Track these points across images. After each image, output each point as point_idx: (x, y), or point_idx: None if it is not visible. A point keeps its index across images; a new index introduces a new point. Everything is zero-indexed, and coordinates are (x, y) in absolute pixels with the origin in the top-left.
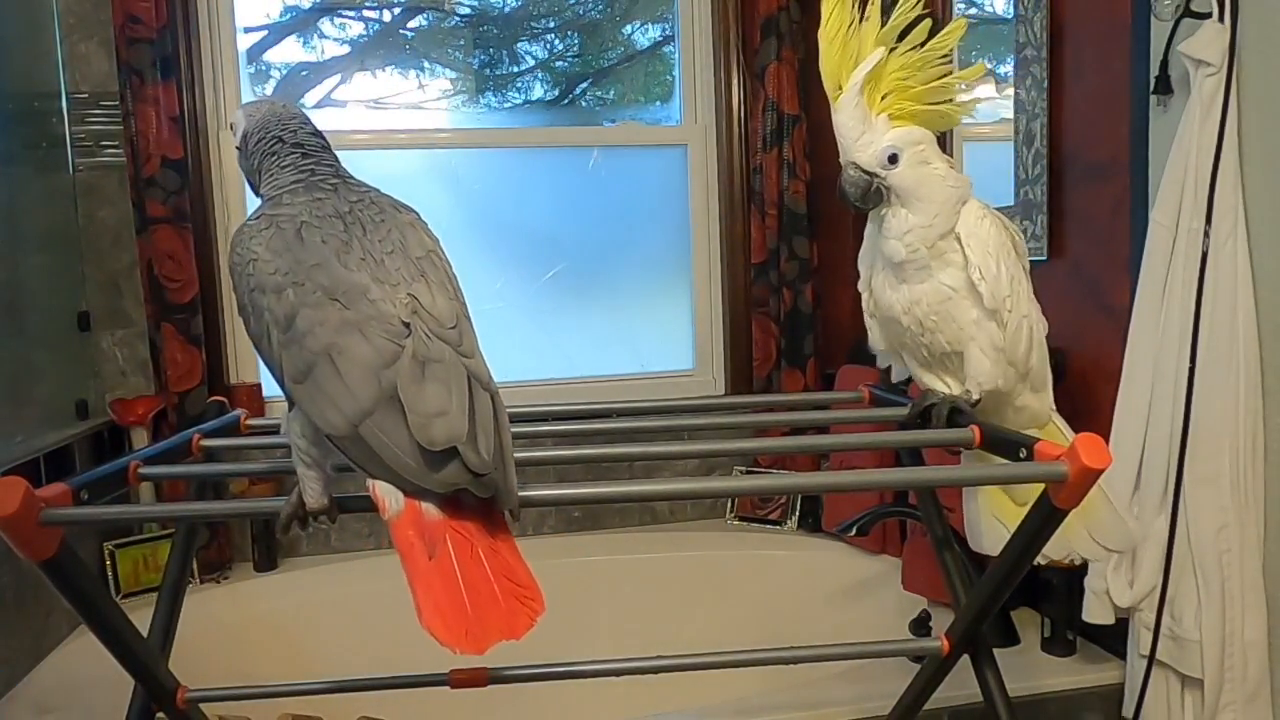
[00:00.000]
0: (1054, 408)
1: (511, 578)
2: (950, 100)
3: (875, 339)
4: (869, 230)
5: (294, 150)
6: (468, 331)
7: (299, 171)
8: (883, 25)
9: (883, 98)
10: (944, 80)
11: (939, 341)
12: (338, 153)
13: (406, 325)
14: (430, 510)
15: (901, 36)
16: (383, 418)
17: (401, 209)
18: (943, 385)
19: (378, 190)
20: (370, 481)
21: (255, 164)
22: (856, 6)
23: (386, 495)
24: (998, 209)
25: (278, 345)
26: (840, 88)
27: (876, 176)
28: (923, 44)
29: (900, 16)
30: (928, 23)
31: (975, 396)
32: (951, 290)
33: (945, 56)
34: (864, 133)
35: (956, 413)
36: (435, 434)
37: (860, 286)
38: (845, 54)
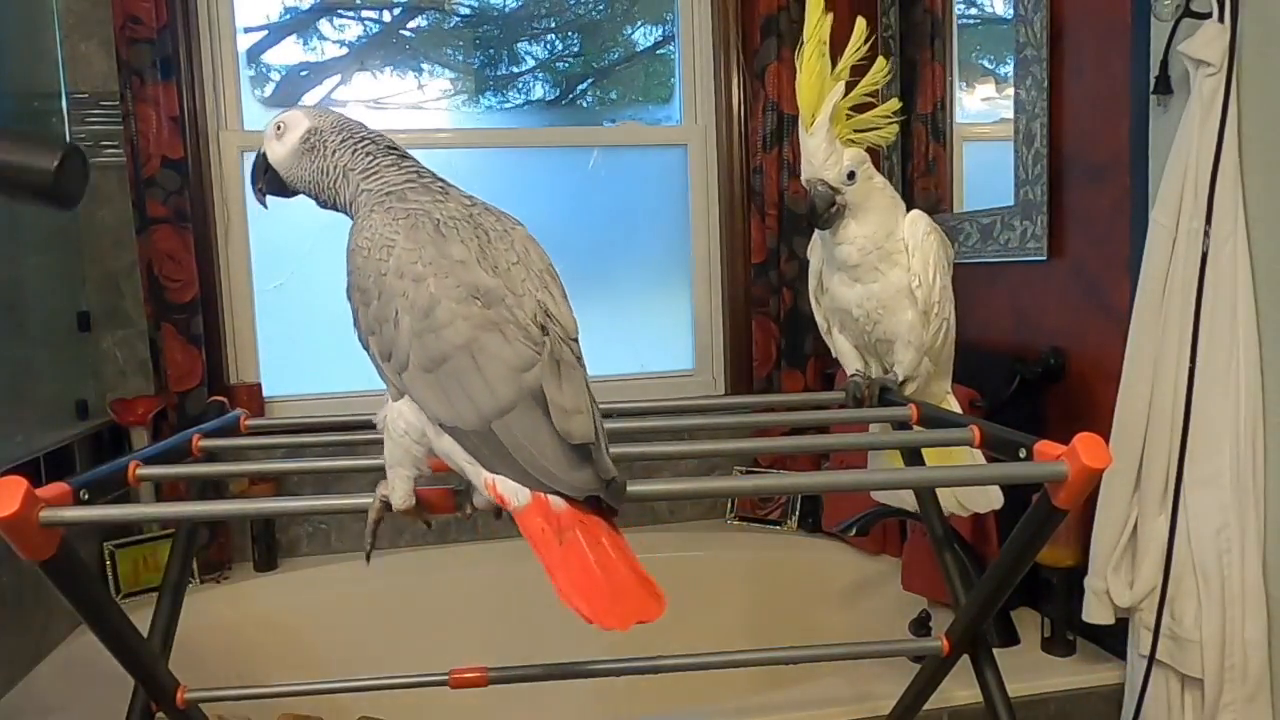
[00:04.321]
0: (949, 389)
1: (633, 567)
2: (879, 128)
3: (819, 319)
4: (819, 232)
5: (390, 152)
6: (580, 347)
7: (405, 171)
8: (834, 65)
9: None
10: (871, 113)
11: (879, 331)
12: None
13: (543, 329)
14: (557, 502)
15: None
16: (520, 417)
17: (515, 222)
18: (860, 364)
19: (483, 201)
20: (489, 478)
21: (337, 162)
22: (825, 52)
23: (508, 493)
24: (998, 209)
25: (408, 332)
26: (813, 116)
27: (839, 192)
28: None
29: (850, 57)
30: (881, 61)
31: (900, 378)
32: (897, 289)
33: (872, 94)
34: (830, 154)
35: (885, 390)
36: (574, 428)
37: (810, 275)
38: (819, 89)
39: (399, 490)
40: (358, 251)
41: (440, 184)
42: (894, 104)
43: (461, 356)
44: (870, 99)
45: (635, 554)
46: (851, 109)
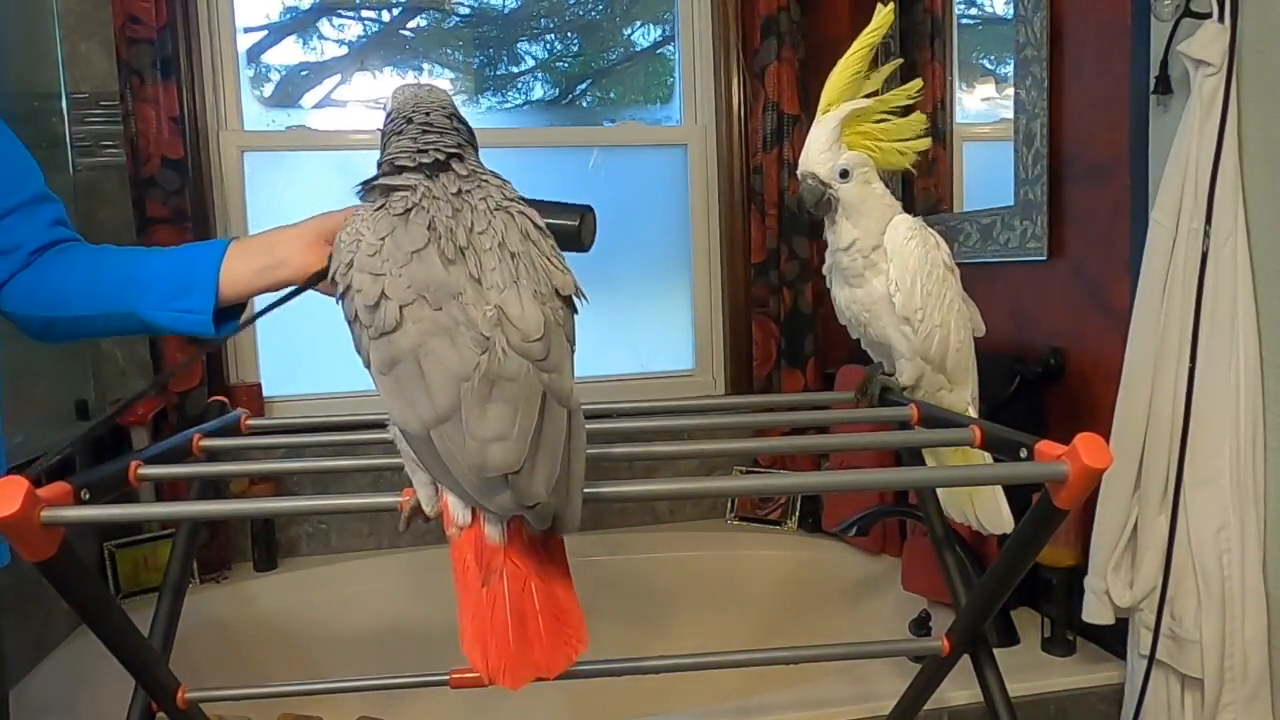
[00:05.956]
0: (970, 401)
1: (559, 615)
2: (897, 155)
3: (838, 312)
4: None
5: (417, 127)
6: (556, 343)
7: (412, 141)
8: (882, 90)
9: (850, 131)
10: (901, 143)
11: (869, 334)
12: (339, 153)
13: (487, 338)
14: (493, 533)
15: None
16: (454, 429)
17: (512, 196)
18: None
19: (493, 172)
20: (442, 491)
21: (382, 145)
22: (870, 60)
23: (455, 509)
24: (998, 209)
25: (363, 332)
26: (829, 109)
27: (829, 188)
28: (900, 112)
29: (897, 96)
30: (920, 116)
31: (902, 384)
32: (880, 295)
33: (908, 137)
34: (828, 149)
35: (886, 391)
36: (489, 460)
37: (825, 270)
38: (848, 88)
39: (421, 495)
40: (337, 243)
41: (441, 157)
42: (925, 143)
43: (409, 362)
44: (891, 119)
45: (570, 591)
46: (880, 132)
